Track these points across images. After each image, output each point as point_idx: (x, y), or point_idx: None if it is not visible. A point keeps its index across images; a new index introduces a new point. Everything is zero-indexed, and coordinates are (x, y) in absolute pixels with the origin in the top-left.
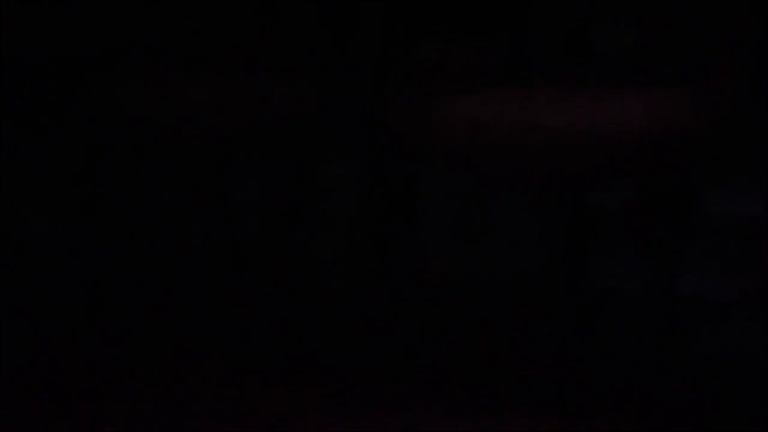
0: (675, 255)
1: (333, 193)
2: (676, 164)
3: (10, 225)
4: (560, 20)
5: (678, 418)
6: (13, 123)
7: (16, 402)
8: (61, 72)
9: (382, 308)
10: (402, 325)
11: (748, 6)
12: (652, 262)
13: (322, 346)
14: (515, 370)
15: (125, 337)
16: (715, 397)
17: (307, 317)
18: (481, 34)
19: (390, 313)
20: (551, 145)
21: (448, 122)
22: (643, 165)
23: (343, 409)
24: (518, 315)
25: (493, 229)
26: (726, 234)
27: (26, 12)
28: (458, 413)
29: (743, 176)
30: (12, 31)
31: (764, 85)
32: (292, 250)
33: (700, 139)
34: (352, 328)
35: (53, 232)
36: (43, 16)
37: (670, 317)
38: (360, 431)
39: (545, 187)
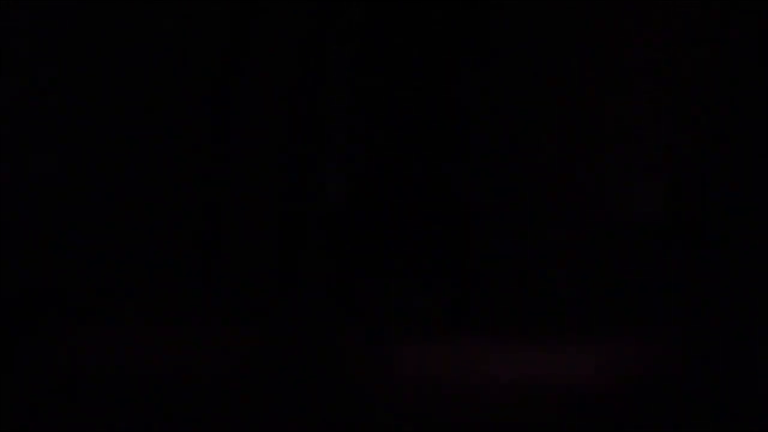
0: None
1: None
2: (624, 414)
3: None
4: (510, 273)
5: None
6: None
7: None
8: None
9: None
10: None
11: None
12: None
13: None
14: None
15: None
16: None
17: None
18: (431, 286)
19: None
20: (499, 395)
21: (397, 371)
22: (590, 415)
23: None
24: None
25: None
26: None
27: None
28: None
29: (687, 423)
30: None
31: (700, 338)
32: None
33: (644, 390)
34: None
35: None
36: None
37: None
38: None
39: None
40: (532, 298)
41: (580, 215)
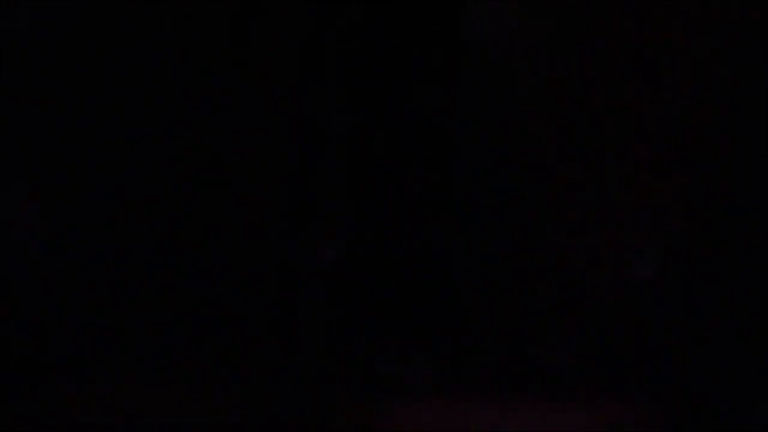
0: None
1: None
2: None
3: None
4: (502, 333)
5: None
6: None
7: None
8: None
9: None
10: None
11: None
12: None
13: None
14: None
15: None
16: None
17: None
18: (425, 345)
19: None
20: None
21: (392, 430)
22: None
23: None
24: None
25: None
26: None
27: None
28: None
29: None
30: None
31: (698, 398)
32: None
33: None
34: None
35: None
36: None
37: None
38: None
39: None
40: (528, 359)
41: (577, 276)
